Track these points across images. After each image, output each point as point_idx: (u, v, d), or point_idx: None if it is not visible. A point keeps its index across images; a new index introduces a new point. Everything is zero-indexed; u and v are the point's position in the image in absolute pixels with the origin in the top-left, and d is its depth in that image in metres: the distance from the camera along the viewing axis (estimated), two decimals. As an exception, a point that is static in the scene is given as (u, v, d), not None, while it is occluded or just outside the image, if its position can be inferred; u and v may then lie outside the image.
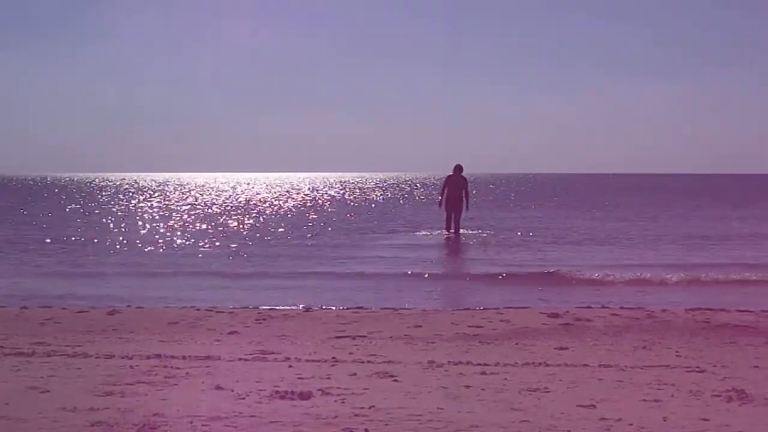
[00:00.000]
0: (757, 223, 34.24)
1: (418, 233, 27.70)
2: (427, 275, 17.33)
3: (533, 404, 6.40)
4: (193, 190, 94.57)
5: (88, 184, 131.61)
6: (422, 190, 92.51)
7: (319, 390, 6.73)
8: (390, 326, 10.70)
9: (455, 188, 25.18)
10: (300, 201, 60.99)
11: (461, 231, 25.88)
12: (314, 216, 40.45)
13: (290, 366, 7.86)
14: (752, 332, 10.28)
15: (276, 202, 58.14)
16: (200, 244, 24.70)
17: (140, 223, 35.24)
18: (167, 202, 58.06)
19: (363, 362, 8.11)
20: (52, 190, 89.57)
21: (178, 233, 29.02)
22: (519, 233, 27.97)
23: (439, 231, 26.65)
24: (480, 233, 27.11)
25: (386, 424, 5.78)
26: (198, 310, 12.34)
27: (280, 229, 30.81)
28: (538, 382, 7.16)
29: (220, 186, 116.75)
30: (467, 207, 25.67)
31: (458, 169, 25.31)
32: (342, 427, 5.72)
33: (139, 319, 11.41)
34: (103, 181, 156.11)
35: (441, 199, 25.70)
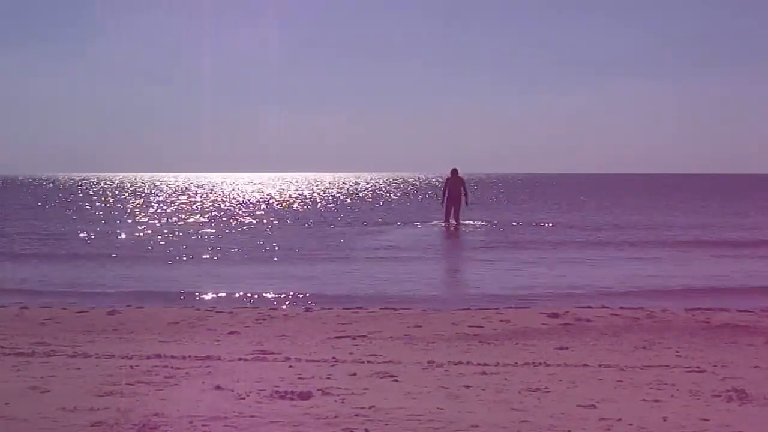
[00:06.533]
0: None
1: (426, 224, 32.46)
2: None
3: (533, 404, 6.40)
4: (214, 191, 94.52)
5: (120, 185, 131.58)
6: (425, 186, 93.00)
7: (319, 390, 6.73)
8: (390, 326, 10.70)
9: (455, 188, 29.62)
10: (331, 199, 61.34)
11: (462, 222, 30.34)
12: (337, 210, 40.80)
13: (290, 366, 7.86)
14: (752, 332, 10.28)
15: (299, 200, 58.34)
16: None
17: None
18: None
19: (363, 362, 8.11)
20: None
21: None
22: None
23: (441, 222, 30.82)
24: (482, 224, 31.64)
25: (386, 424, 5.78)
26: (198, 310, 12.34)
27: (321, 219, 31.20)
28: (538, 382, 7.16)
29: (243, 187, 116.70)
30: (466, 203, 30.07)
31: (455, 171, 29.73)
32: (342, 427, 5.72)
33: (139, 319, 11.41)
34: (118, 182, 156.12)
35: (443, 198, 30.20)
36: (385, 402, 6.37)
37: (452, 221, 29.87)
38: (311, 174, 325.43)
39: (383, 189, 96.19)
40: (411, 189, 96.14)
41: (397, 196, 72.27)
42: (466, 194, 29.61)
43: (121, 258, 20.91)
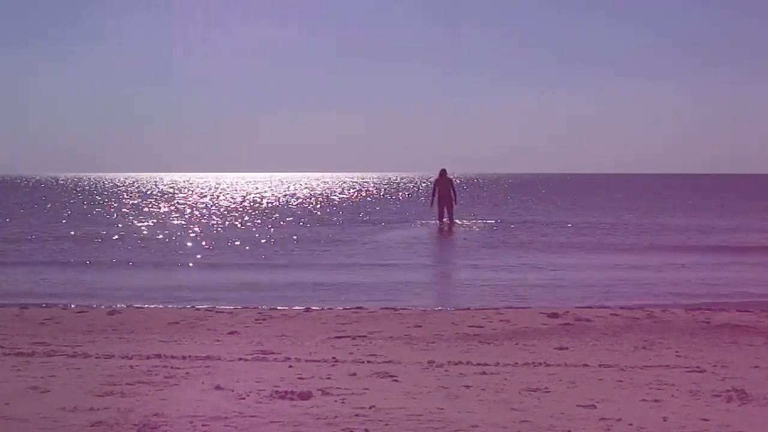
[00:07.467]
0: None
1: (420, 222, 33.48)
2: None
3: (533, 404, 6.40)
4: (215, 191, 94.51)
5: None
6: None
7: (319, 390, 6.73)
8: (390, 326, 10.70)
9: (444, 188, 30.06)
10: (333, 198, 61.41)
11: (456, 221, 30.72)
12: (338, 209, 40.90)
13: (290, 366, 7.86)
14: (752, 332, 10.28)
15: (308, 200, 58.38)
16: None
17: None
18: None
19: (363, 362, 8.12)
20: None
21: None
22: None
23: (435, 222, 31.23)
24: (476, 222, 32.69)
25: (386, 424, 5.79)
26: (198, 310, 12.35)
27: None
28: (538, 382, 7.16)
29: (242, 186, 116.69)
30: (455, 201, 30.52)
31: (443, 172, 30.06)
32: (342, 427, 5.73)
33: (139, 319, 11.41)
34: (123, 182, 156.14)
35: (432, 199, 30.65)
36: (385, 402, 6.37)
37: (446, 221, 30.18)
38: (311, 174, 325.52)
39: (382, 189, 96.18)
40: (409, 189, 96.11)
41: (395, 196, 72.28)
42: (455, 194, 30.20)
43: (120, 260, 20.90)
